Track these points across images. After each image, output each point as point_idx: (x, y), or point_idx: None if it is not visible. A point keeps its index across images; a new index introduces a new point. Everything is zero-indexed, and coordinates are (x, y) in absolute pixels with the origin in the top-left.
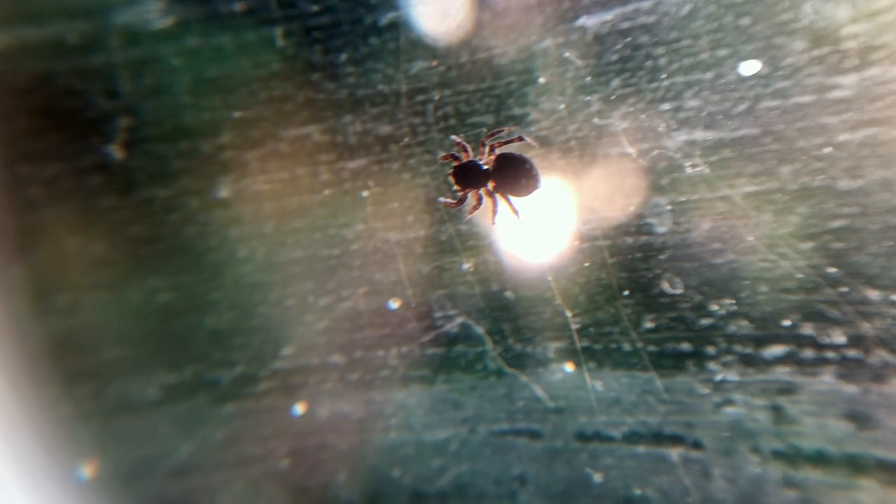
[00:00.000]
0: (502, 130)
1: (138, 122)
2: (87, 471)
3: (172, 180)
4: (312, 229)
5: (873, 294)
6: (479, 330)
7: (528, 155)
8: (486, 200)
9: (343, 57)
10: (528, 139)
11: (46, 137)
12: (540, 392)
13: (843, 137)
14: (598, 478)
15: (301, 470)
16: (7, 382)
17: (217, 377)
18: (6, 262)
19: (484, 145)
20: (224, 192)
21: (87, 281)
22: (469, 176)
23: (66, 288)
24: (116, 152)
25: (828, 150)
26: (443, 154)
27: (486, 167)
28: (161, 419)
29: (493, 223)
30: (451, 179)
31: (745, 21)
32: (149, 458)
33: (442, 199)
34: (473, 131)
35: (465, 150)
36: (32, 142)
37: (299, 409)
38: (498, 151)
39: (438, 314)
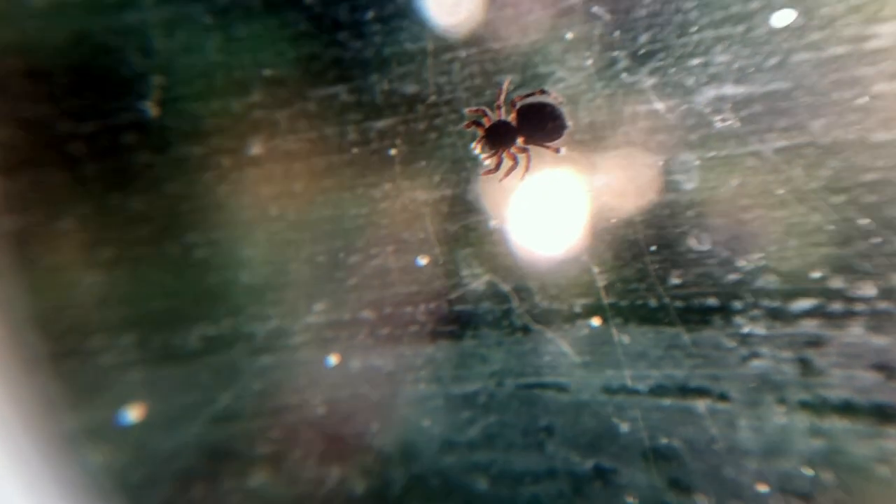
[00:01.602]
0: (513, 88)
1: (171, 80)
2: (133, 415)
3: (206, 139)
4: (341, 188)
5: None
6: (505, 288)
7: (547, 99)
8: (512, 158)
9: (370, 15)
10: (552, 93)
11: (84, 95)
12: (566, 347)
13: (878, 88)
14: (624, 428)
15: (335, 419)
16: (49, 334)
17: (253, 330)
18: (51, 215)
19: (500, 107)
20: (255, 150)
21: (127, 235)
22: (498, 136)
23: (108, 242)
24: (151, 109)
25: (862, 101)
26: (465, 123)
27: (511, 123)
28: (202, 369)
29: (522, 180)
30: (482, 145)
31: None
32: (191, 405)
33: (482, 171)
34: (499, 89)
35: (486, 115)
36: (70, 99)
37: (332, 360)
38: (518, 105)
39: (465, 272)
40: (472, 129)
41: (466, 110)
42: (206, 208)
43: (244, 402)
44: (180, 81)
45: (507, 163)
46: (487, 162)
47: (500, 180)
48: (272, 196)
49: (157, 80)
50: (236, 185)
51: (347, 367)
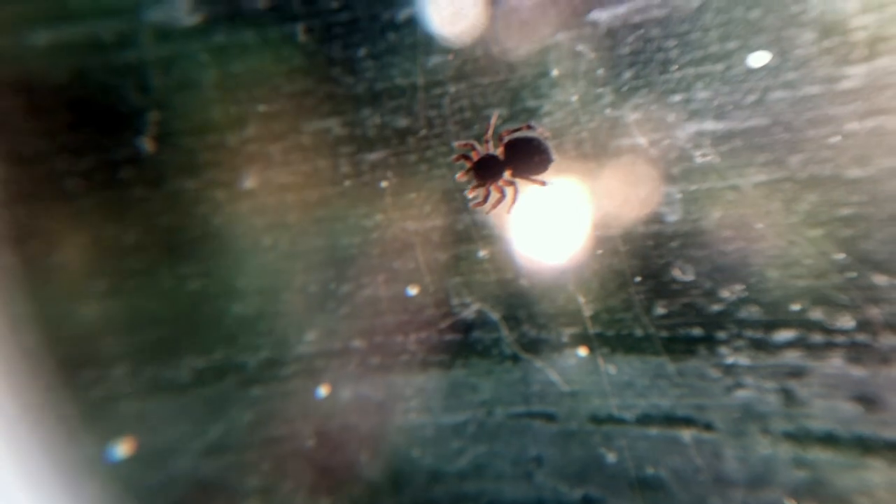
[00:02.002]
0: (501, 122)
1: (167, 116)
2: (123, 449)
3: (200, 172)
4: (333, 219)
5: (881, 279)
6: (495, 316)
7: (534, 134)
8: (499, 191)
9: (362, 52)
10: (539, 127)
11: (82, 131)
12: (554, 376)
13: (851, 127)
14: (611, 458)
15: (325, 450)
16: (43, 365)
17: (244, 361)
18: (47, 248)
19: (488, 141)
20: (249, 183)
21: (121, 267)
22: (485, 169)
23: (102, 274)
24: (147, 145)
25: (836, 139)
26: (454, 156)
27: (498, 157)
28: (193, 400)
29: (510, 212)
30: (470, 178)
31: (755, 13)
32: (182, 437)
33: (471, 203)
34: (487, 123)
35: (475, 148)
36: (69, 135)
37: (323, 391)
38: (506, 139)
39: (455, 301)
40: (461, 161)
41: (455, 144)
42: (200, 240)
43: (235, 434)
44: (176, 117)
45: (494, 195)
46: (474, 194)
47: (487, 212)
48: (265, 227)
49: (153, 116)
50: (230, 217)
51: (338, 397)
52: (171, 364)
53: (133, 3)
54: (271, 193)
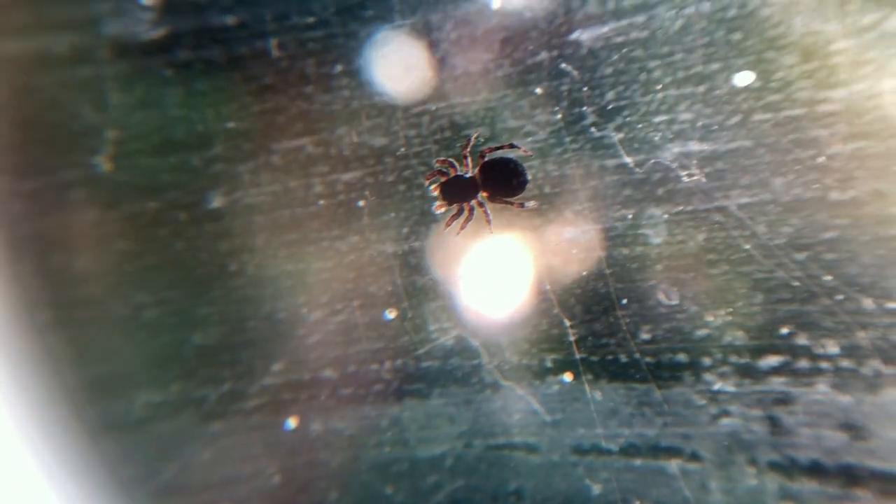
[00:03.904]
0: (479, 141)
1: (126, 135)
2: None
3: (161, 194)
4: (305, 242)
5: (866, 303)
6: (475, 342)
7: (510, 156)
8: (478, 211)
9: (338, 69)
10: (521, 147)
11: (28, 151)
12: (536, 405)
13: (833, 150)
14: (595, 491)
15: (291, 489)
16: None
17: (204, 394)
18: None
19: (467, 157)
20: (214, 205)
21: (68, 297)
22: (458, 189)
23: (47, 305)
24: (104, 164)
25: (819, 161)
26: (429, 173)
27: (472, 177)
28: (145, 439)
29: (491, 232)
30: (442, 197)
31: (737, 36)
32: (131, 479)
33: (446, 226)
34: (466, 140)
35: (454, 167)
36: (13, 155)
37: (292, 423)
38: (486, 158)
39: (433, 326)
40: (435, 178)
41: (435, 161)
42: (159, 266)
43: (191, 474)
44: (136, 136)
45: (466, 215)
46: (442, 210)
47: (458, 233)
48: (231, 251)
49: (111, 135)
50: (192, 241)
51: (306, 432)
52: (122, 399)
53: (90, 17)
54: (238, 215)
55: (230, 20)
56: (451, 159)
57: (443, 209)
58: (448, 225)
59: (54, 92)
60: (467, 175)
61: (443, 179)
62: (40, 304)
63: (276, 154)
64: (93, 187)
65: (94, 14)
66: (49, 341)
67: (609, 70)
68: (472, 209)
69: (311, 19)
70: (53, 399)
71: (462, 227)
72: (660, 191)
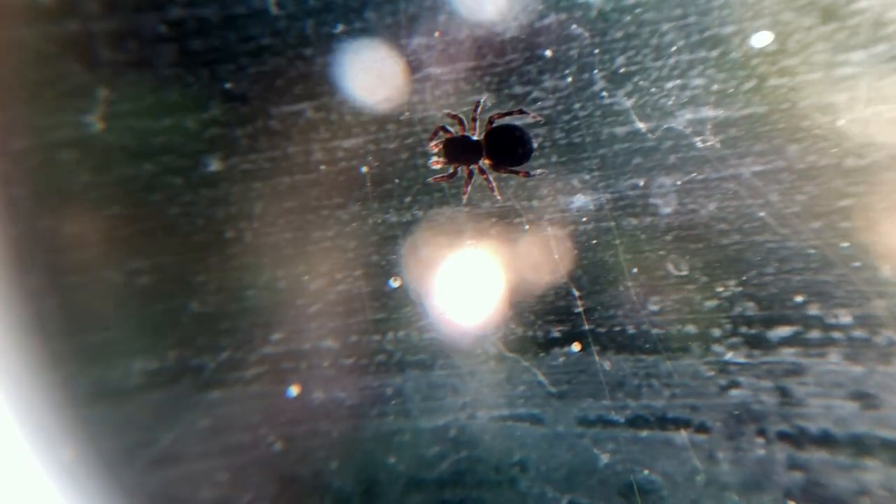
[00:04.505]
0: (486, 106)
1: (118, 95)
2: (61, 460)
3: (155, 157)
4: (305, 210)
5: (881, 273)
6: (480, 312)
7: (518, 124)
8: (480, 178)
9: (339, 29)
10: (530, 113)
11: (14, 109)
12: (541, 377)
13: (849, 115)
14: (601, 462)
15: (291, 458)
16: None
17: (202, 363)
18: None
19: (476, 119)
20: (211, 169)
21: (60, 262)
22: (459, 149)
23: (38, 269)
24: (96, 124)
25: (836, 127)
26: (434, 128)
27: (478, 141)
28: (142, 406)
29: (499, 199)
30: (442, 152)
31: None
32: (128, 447)
33: (432, 178)
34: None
35: (462, 123)
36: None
37: (293, 391)
38: (496, 123)
39: (438, 296)
40: (439, 133)
41: (445, 111)
42: (153, 232)
43: (189, 442)
44: (128, 96)
45: (466, 179)
46: (439, 166)
47: (464, 197)
48: (228, 218)
49: (102, 93)
50: (188, 207)
51: (306, 401)
52: (118, 367)
53: None
54: (236, 181)
55: None
56: (460, 115)
57: (438, 165)
58: (436, 181)
59: (42, 45)
60: (473, 138)
61: (447, 137)
62: (32, 268)
63: (275, 118)
64: (84, 148)
65: None
66: (42, 307)
67: (620, 33)
68: (471, 173)
69: None
70: (48, 366)
71: (465, 192)
72: (671, 158)
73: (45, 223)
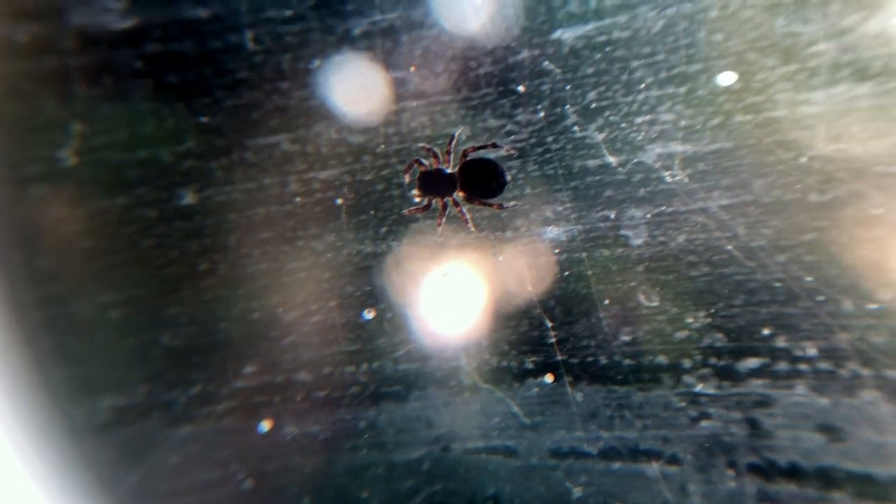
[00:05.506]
0: (461, 139)
1: (92, 129)
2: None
3: (129, 190)
4: (280, 241)
5: (845, 306)
6: (454, 343)
7: (491, 157)
8: (454, 211)
9: (315, 64)
10: (504, 146)
11: None
12: (515, 408)
13: (812, 152)
14: (574, 495)
15: (262, 495)
16: None
17: (173, 397)
18: None
19: (450, 153)
20: (185, 202)
21: (28, 296)
22: (433, 182)
23: (7, 304)
24: (70, 159)
25: (799, 163)
26: (409, 162)
27: (451, 174)
28: (109, 444)
29: (473, 231)
30: (417, 186)
31: (718, 37)
32: (95, 484)
33: (406, 210)
34: (450, 136)
35: (436, 157)
36: None
37: (264, 426)
38: (470, 156)
39: (412, 327)
40: (414, 168)
41: (420, 145)
42: (126, 265)
43: (157, 480)
44: (102, 130)
45: (440, 211)
46: (417, 201)
47: (438, 229)
48: (202, 251)
49: (76, 128)
50: (161, 239)
51: (279, 435)
52: (86, 403)
53: (55, 5)
54: (210, 213)
55: (202, 13)
56: (435, 149)
57: (419, 199)
58: (410, 213)
59: (17, 83)
60: (447, 171)
61: (422, 171)
62: (0, 303)
63: (250, 150)
64: (57, 182)
65: (59, 2)
66: (9, 342)
67: (591, 70)
68: (445, 205)
69: (288, 13)
70: (14, 402)
71: (439, 224)
72: (641, 191)
73: (16, 257)
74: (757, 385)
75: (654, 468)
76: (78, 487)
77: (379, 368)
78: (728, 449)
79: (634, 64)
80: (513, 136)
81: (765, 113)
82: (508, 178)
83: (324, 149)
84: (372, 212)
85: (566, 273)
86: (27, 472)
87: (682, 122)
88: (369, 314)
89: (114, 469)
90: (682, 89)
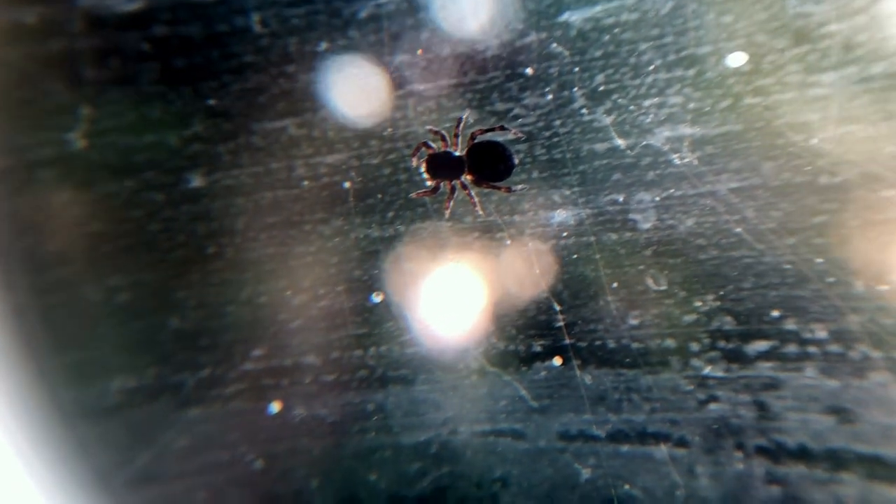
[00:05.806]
0: (468, 122)
1: (100, 113)
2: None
3: (136, 173)
4: (287, 225)
5: (856, 288)
6: (462, 327)
7: (499, 140)
8: (462, 194)
9: (322, 47)
10: (511, 129)
11: None
12: (523, 391)
13: (822, 134)
14: (582, 477)
15: (271, 476)
16: None
17: (181, 380)
18: None
19: (458, 136)
20: (193, 185)
21: (39, 280)
22: (441, 166)
23: (17, 288)
24: (78, 142)
25: (808, 146)
26: (417, 145)
27: (459, 157)
28: (119, 426)
29: (482, 214)
30: (425, 169)
31: (728, 18)
32: (105, 467)
33: (414, 193)
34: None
35: (444, 139)
36: None
37: (274, 408)
38: (478, 139)
39: (420, 311)
40: (422, 150)
41: (427, 128)
42: (134, 248)
43: (166, 461)
44: (111, 114)
45: (448, 194)
46: (428, 185)
47: (445, 213)
48: (209, 234)
49: (85, 112)
50: (169, 223)
51: (287, 418)
52: (95, 386)
53: None
54: (217, 197)
55: None
56: (443, 131)
57: (429, 182)
58: (418, 196)
59: (25, 65)
60: (455, 154)
61: (430, 153)
62: (10, 287)
63: (257, 134)
64: (65, 166)
65: None
66: (20, 325)
67: (599, 52)
68: (453, 189)
69: None
70: (25, 385)
71: (447, 207)
72: (650, 175)
73: (26, 242)
74: (766, 368)
75: (662, 450)
76: (88, 469)
77: (387, 352)
78: (736, 431)
79: (643, 46)
80: (520, 120)
81: (774, 95)
82: (516, 161)
83: (330, 133)
84: (379, 195)
85: (574, 256)
86: (38, 455)
87: (691, 105)
88: (377, 298)
89: (124, 451)
90: (691, 72)
